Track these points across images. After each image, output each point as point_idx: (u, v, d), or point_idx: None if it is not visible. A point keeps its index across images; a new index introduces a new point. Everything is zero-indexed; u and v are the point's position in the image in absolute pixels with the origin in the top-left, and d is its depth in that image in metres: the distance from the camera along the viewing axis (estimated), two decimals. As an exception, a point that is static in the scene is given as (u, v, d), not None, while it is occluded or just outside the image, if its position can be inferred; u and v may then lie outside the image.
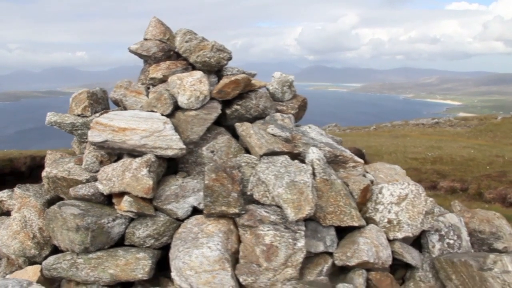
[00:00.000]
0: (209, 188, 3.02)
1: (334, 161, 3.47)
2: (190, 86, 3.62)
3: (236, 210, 2.86)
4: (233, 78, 3.60)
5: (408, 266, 3.18)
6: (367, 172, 3.89)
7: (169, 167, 4.09)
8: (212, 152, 3.57)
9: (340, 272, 3.01)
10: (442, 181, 18.81)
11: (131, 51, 4.65)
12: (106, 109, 5.55)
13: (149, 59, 4.43)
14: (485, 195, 16.27)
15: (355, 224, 2.90)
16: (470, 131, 44.93)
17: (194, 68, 4.06)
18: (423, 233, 3.46)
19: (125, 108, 4.99)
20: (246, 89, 3.68)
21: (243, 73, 4.06)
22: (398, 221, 3.13)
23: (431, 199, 3.25)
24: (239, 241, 3.03)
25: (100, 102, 5.45)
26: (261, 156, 3.19)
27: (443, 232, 3.42)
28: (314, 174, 3.14)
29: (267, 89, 4.35)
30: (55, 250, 5.88)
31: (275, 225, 2.78)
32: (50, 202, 6.23)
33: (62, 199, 5.94)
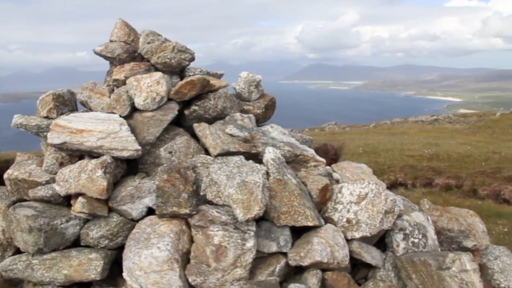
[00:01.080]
0: (160, 189, 2.99)
1: (295, 161, 3.40)
2: (147, 87, 3.58)
3: (187, 211, 2.83)
4: (188, 79, 3.54)
5: (371, 266, 3.12)
6: (334, 171, 3.82)
7: (131, 168, 4.05)
8: (170, 152, 3.52)
9: (297, 272, 2.96)
10: (438, 178, 18.72)
11: (96, 53, 4.60)
12: (73, 110, 5.52)
13: (114, 61, 4.39)
14: (479, 191, 16.19)
15: (310, 224, 2.84)
16: (469, 127, 44.82)
17: (156, 69, 4.01)
18: (387, 232, 3.38)
19: (90, 110, 4.97)
20: (206, 90, 3.61)
21: (208, 73, 4.00)
22: (357, 220, 3.06)
23: (391, 198, 3.16)
24: (192, 241, 3.00)
25: (67, 104, 5.42)
26: (216, 156, 3.14)
27: (407, 231, 3.34)
28: (268, 174, 3.08)
29: (234, 88, 4.30)
30: (18, 251, 5.91)
31: (224, 226, 2.74)
32: (15, 204, 6.23)
33: (26, 200, 5.94)
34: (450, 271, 2.79)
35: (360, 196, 3.19)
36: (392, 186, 19.35)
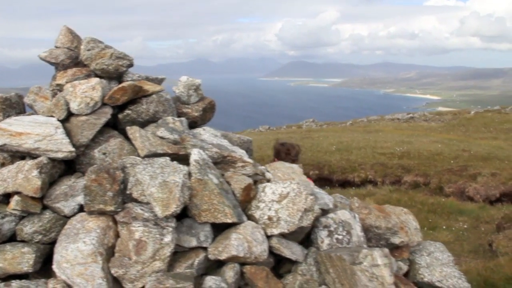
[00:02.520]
0: (87, 188, 3.13)
1: (223, 161, 3.54)
2: (82, 93, 3.70)
3: (112, 208, 2.98)
4: (120, 86, 3.68)
5: (295, 261, 3.29)
6: (268, 171, 3.96)
7: (71, 168, 4.19)
8: (104, 154, 3.64)
9: (219, 266, 3.12)
10: (406, 175, 19.03)
11: (41, 59, 4.69)
12: (21, 113, 5.59)
13: (58, 66, 4.50)
14: (445, 189, 16.51)
15: (229, 220, 3.00)
16: (444, 125, 45.40)
17: (96, 75, 4.13)
18: (313, 229, 3.54)
19: (36, 113, 5.07)
20: (139, 95, 3.73)
21: (147, 78, 4.10)
22: (277, 218, 3.21)
23: (311, 197, 3.30)
24: (118, 236, 3.15)
25: (15, 107, 5.50)
26: (143, 157, 3.28)
27: (332, 228, 3.48)
28: (190, 175, 3.23)
29: (174, 92, 4.41)
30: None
31: (145, 222, 2.90)
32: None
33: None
34: (361, 266, 2.96)
35: (282, 195, 3.34)
36: (362, 184, 19.64)
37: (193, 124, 4.11)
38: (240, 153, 3.65)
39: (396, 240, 3.82)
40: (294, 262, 3.33)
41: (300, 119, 62.54)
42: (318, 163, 21.98)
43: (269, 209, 3.23)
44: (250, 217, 3.27)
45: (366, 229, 3.78)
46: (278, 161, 4.16)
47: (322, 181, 20.98)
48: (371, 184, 18.81)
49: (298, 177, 3.68)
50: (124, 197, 3.09)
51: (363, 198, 15.11)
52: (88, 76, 3.95)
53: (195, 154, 3.20)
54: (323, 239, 3.36)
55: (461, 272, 4.07)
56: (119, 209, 3.03)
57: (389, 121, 53.13)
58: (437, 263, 4.09)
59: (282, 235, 3.27)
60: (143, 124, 3.71)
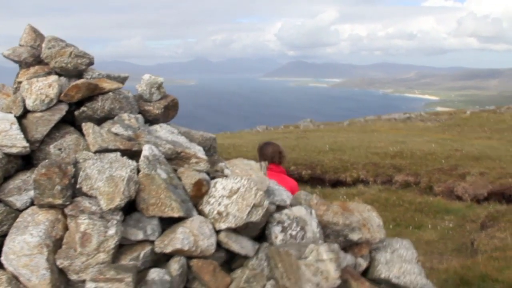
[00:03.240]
0: (36, 182, 3.16)
1: (178, 158, 3.55)
2: (38, 90, 3.72)
3: (60, 201, 3.02)
4: (74, 83, 3.71)
5: (248, 256, 3.33)
6: (227, 168, 3.97)
7: (29, 163, 4.21)
8: (59, 149, 3.66)
9: (167, 260, 3.15)
10: (397, 175, 19.05)
11: (5, 56, 4.71)
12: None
13: (21, 64, 4.52)
14: (435, 188, 16.52)
15: (175, 214, 3.03)
16: (439, 125, 45.45)
17: (56, 73, 4.16)
18: (267, 224, 3.56)
19: (-1, 109, 5.11)
20: (96, 92, 3.75)
21: (108, 76, 4.13)
22: (227, 213, 3.23)
23: (261, 192, 3.31)
24: (67, 229, 3.19)
25: (-19, 104, 5.55)
26: (94, 152, 3.30)
27: (286, 224, 3.50)
28: (139, 170, 3.27)
29: (137, 90, 4.43)
30: None
31: (91, 215, 2.93)
32: None
33: None
34: (306, 260, 2.97)
35: (232, 190, 3.36)
36: (354, 183, 19.64)
37: (155, 121, 4.12)
38: (196, 149, 3.65)
39: (354, 236, 3.82)
40: (247, 257, 3.34)
41: (299, 119, 62.61)
42: (311, 163, 22.00)
43: (219, 204, 3.25)
44: (201, 212, 3.29)
45: (324, 225, 3.78)
46: (238, 158, 4.16)
47: (315, 181, 21.01)
48: (363, 184, 18.81)
49: (255, 173, 3.69)
50: (75, 191, 3.12)
51: (352, 197, 15.15)
52: (49, 74, 3.98)
53: (145, 150, 3.23)
54: (277, 235, 3.37)
55: (422, 269, 4.08)
56: (68, 203, 3.06)
57: (386, 121, 53.17)
58: (399, 259, 4.09)
59: (234, 230, 3.28)
60: (99, 121, 3.73)
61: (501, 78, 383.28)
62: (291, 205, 3.99)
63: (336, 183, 20.02)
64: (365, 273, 4.11)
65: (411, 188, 17.90)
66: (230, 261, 3.54)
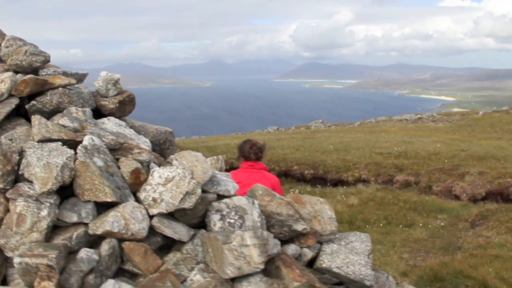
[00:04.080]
0: None
1: (122, 148, 3.69)
2: (-11, 85, 3.95)
3: (1, 185, 3.23)
4: (22, 78, 3.89)
5: (184, 241, 3.48)
6: (176, 160, 4.08)
7: None
8: (10, 140, 3.83)
9: (100, 240, 3.32)
10: (399, 175, 19.05)
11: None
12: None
13: (-15, 62, 4.72)
14: (433, 188, 16.50)
15: (108, 199, 3.20)
16: (450, 126, 45.19)
17: (14, 70, 4.36)
18: (206, 212, 3.69)
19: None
20: (47, 87, 3.93)
21: (64, 73, 4.31)
22: (161, 199, 3.37)
23: (194, 181, 3.43)
24: (8, 211, 3.39)
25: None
26: (38, 142, 3.48)
27: (224, 213, 3.61)
28: (76, 158, 3.44)
29: (95, 86, 4.60)
30: None
31: (27, 198, 3.11)
32: None
33: None
34: (230, 245, 3.08)
35: (168, 178, 3.48)
36: (355, 182, 19.66)
37: (111, 115, 4.29)
38: (141, 141, 3.80)
39: (298, 227, 3.90)
40: (184, 243, 3.49)
41: (312, 120, 62.64)
42: (314, 163, 22.08)
43: (154, 192, 3.40)
44: (138, 198, 3.44)
45: (267, 215, 3.88)
46: (186, 150, 4.27)
47: (317, 180, 21.10)
48: (363, 183, 18.83)
49: (200, 164, 3.80)
50: (19, 177, 3.32)
51: (349, 196, 15.18)
52: (7, 71, 4.19)
53: (85, 140, 3.40)
54: (216, 223, 3.50)
55: (370, 261, 4.14)
56: (8, 187, 3.27)
57: (397, 122, 52.98)
58: (346, 251, 4.16)
59: (170, 216, 3.43)
60: (50, 114, 3.93)
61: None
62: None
63: (338, 183, 20.08)
64: (311, 263, 4.18)
65: (411, 187, 17.90)
66: (171, 246, 3.67)
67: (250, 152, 6.62)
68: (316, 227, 4.40)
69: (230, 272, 3.24)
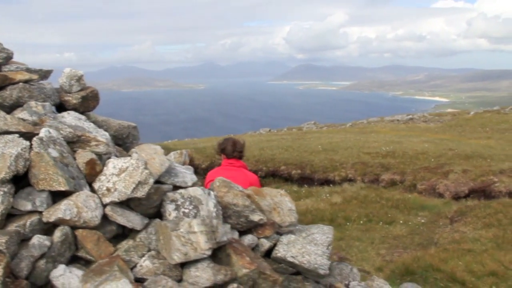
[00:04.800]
0: None
1: (80, 141, 3.80)
2: (-49, 83, 4.06)
3: None
4: None
5: (139, 230, 3.58)
6: (136, 152, 4.19)
7: None
8: None
9: (55, 228, 3.43)
10: (385, 174, 19.16)
11: None
12: None
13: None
14: (418, 186, 16.62)
15: (62, 188, 3.30)
16: (441, 126, 45.33)
17: None
18: (162, 203, 3.79)
19: None
20: (7, 82, 4.06)
21: (27, 69, 4.42)
22: (115, 189, 3.47)
23: (147, 171, 3.52)
24: None
25: None
26: None
27: (179, 203, 3.71)
28: (32, 149, 3.56)
29: (59, 82, 4.72)
30: None
31: None
32: None
33: None
34: (178, 232, 3.18)
35: (121, 169, 3.58)
36: (342, 182, 19.75)
37: (75, 110, 4.42)
38: (99, 134, 3.92)
39: (255, 217, 4.00)
40: (138, 231, 3.59)
41: (305, 122, 62.79)
42: (301, 163, 22.17)
43: (108, 181, 3.51)
44: (93, 189, 3.55)
45: (224, 206, 3.98)
46: (146, 143, 4.36)
47: (304, 180, 21.19)
48: (349, 182, 18.93)
49: (158, 156, 3.91)
50: None
51: (333, 195, 15.28)
52: None
53: (41, 132, 3.51)
54: (171, 212, 3.60)
55: (326, 251, 4.22)
56: None
57: (388, 123, 53.11)
58: (304, 242, 4.25)
59: (124, 205, 3.55)
60: (10, 108, 4.05)
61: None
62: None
63: (325, 182, 20.17)
64: (268, 253, 4.27)
65: (397, 186, 18.01)
66: (128, 235, 3.76)
67: (234, 151, 6.75)
68: (275, 218, 4.49)
69: (177, 257, 3.33)
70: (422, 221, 11.60)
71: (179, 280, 3.42)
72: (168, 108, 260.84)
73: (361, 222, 11.38)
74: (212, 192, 4.01)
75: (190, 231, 3.29)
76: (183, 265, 3.42)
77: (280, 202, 4.64)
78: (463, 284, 6.29)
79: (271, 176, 22.03)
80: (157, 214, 3.87)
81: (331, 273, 5.11)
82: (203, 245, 3.30)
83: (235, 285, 3.42)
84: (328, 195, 15.43)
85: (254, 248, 4.21)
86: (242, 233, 4.25)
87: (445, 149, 24.97)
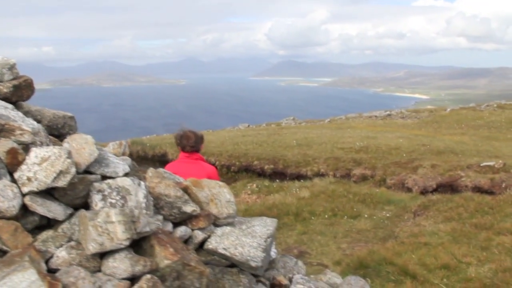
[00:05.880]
0: None
1: (4, 130, 3.70)
2: None
3: None
4: None
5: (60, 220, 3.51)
6: (67, 142, 4.09)
7: None
8: None
9: None
10: (356, 169, 19.20)
11: None
12: None
13: None
14: (388, 181, 16.69)
15: None
16: (418, 122, 45.65)
17: None
18: (89, 193, 3.70)
19: None
20: None
21: None
22: (35, 178, 3.38)
23: (69, 160, 3.44)
24: None
25: None
26: None
27: (106, 193, 3.62)
28: None
29: None
30: None
31: None
32: None
33: None
34: (95, 221, 3.11)
35: (43, 158, 3.48)
36: (314, 177, 19.74)
37: (6, 100, 4.29)
38: (26, 123, 3.80)
39: (188, 208, 3.92)
40: (62, 222, 3.49)
41: (282, 116, 62.85)
42: (274, 158, 22.13)
43: (29, 171, 3.40)
44: (13, 177, 3.45)
45: (156, 197, 3.91)
46: (78, 134, 4.24)
47: (277, 175, 21.14)
48: (321, 177, 18.92)
49: (88, 146, 3.80)
50: None
51: (302, 189, 15.25)
52: None
53: None
54: (97, 203, 3.51)
55: (263, 244, 4.15)
56: None
57: (366, 119, 53.35)
58: (240, 233, 4.18)
59: (46, 195, 3.46)
60: None
61: (491, 77, 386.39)
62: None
63: (298, 177, 20.14)
64: (203, 244, 4.20)
65: (368, 181, 18.06)
66: (53, 226, 3.67)
67: (186, 145, 6.79)
68: (212, 210, 4.41)
69: (92, 247, 3.25)
70: (387, 215, 11.62)
71: (97, 271, 3.34)
72: (149, 104, 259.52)
73: (326, 216, 11.36)
74: (142, 183, 3.92)
75: (107, 220, 3.21)
76: (103, 256, 3.35)
77: (218, 193, 4.57)
78: (414, 277, 6.28)
79: (244, 171, 21.98)
80: (86, 204, 3.79)
81: (274, 266, 5.05)
82: (120, 235, 3.22)
83: (148, 276, 3.33)
84: (298, 189, 15.39)
85: (188, 240, 4.13)
86: (177, 224, 4.18)
87: (418, 144, 25.11)
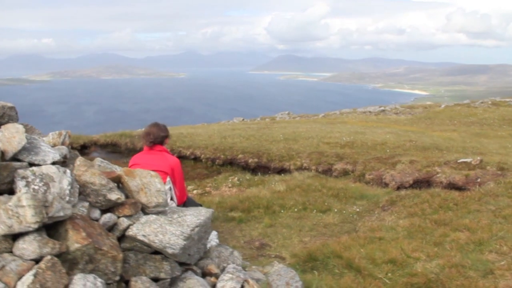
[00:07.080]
0: None
1: None
2: None
3: None
4: None
5: None
6: (1, 131, 4.25)
7: None
8: None
9: None
10: (338, 163, 19.30)
11: None
12: None
13: None
14: (366, 176, 16.79)
15: None
16: (411, 118, 45.68)
17: None
18: (13, 179, 3.87)
19: None
20: None
21: None
22: None
23: None
24: None
25: None
26: None
27: (29, 179, 3.78)
28: None
29: None
30: None
31: None
32: None
33: None
34: (6, 205, 3.27)
35: None
36: (297, 171, 19.85)
37: None
38: None
39: (112, 196, 4.06)
40: None
41: (277, 111, 62.91)
42: (258, 152, 22.23)
43: None
44: None
45: (82, 184, 4.05)
46: (10, 124, 4.40)
47: (261, 169, 21.26)
48: (302, 171, 19.03)
49: (19, 135, 3.96)
50: None
51: (280, 183, 15.37)
52: None
53: None
54: (21, 189, 3.67)
55: (187, 232, 4.29)
56: None
57: (360, 114, 53.34)
58: (165, 222, 4.31)
59: None
60: None
61: (490, 74, 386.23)
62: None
63: (280, 171, 20.25)
64: (125, 231, 4.34)
65: (348, 176, 18.16)
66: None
67: (147, 141, 7.27)
68: (142, 199, 4.55)
69: (1, 229, 3.41)
70: (358, 210, 11.71)
71: (9, 252, 3.50)
72: (148, 96, 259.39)
73: (296, 210, 11.46)
74: (68, 171, 4.06)
75: (18, 204, 3.36)
76: (15, 237, 3.51)
77: (148, 183, 4.71)
78: (358, 270, 6.38)
79: (229, 164, 22.10)
80: (11, 190, 3.94)
81: (209, 255, 5.20)
82: (30, 218, 3.38)
83: (49, 257, 3.47)
84: (277, 183, 15.50)
85: (113, 226, 4.28)
86: (104, 211, 4.32)
87: (405, 140, 25.19)
